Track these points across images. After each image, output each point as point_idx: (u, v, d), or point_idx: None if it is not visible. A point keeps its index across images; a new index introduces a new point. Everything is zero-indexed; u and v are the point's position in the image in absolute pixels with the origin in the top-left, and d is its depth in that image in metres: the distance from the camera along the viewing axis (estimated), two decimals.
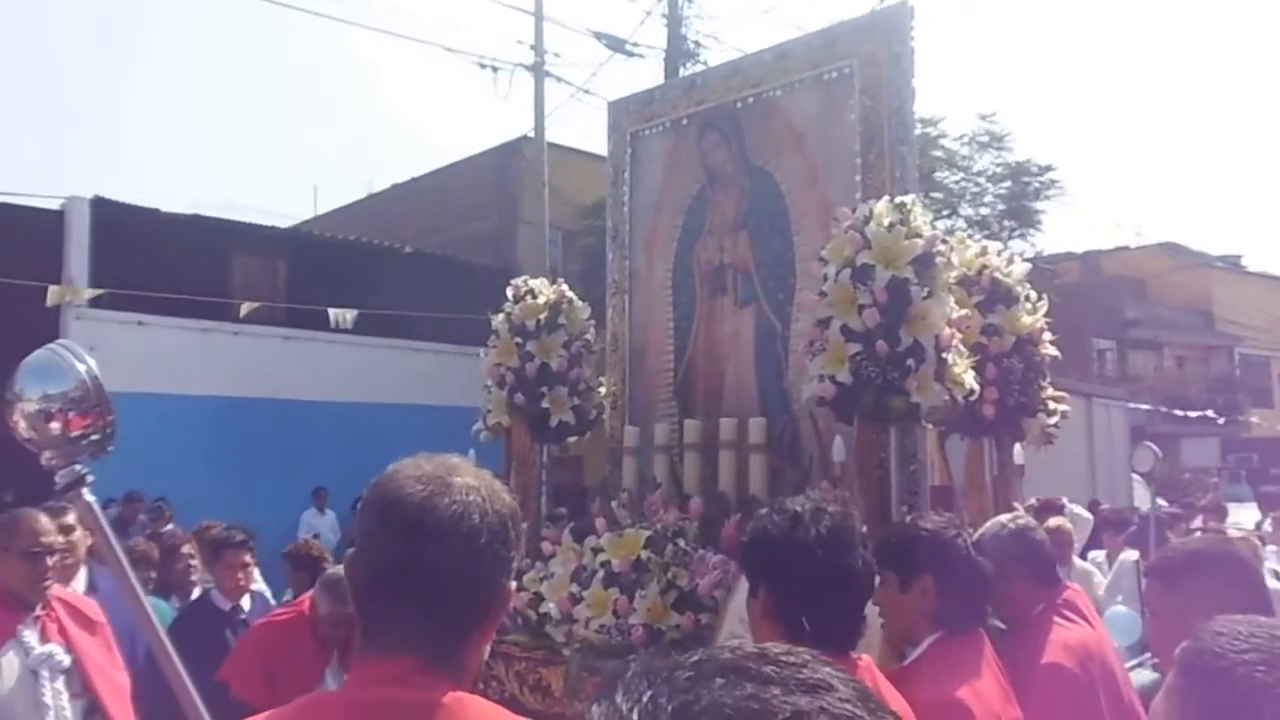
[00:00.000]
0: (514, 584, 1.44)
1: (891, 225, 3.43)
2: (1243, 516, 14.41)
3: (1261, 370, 36.51)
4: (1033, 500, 7.32)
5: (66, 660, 3.18)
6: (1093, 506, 11.11)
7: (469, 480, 1.39)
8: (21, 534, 3.23)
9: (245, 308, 12.81)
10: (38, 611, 3.23)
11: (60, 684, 3.16)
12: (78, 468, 1.95)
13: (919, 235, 3.42)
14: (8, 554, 3.23)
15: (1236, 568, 2.28)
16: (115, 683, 3.28)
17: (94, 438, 1.96)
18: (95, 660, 3.25)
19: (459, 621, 1.36)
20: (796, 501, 2.17)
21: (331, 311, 13.09)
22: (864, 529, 2.23)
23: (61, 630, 3.23)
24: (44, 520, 3.32)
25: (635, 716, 0.63)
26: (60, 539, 3.40)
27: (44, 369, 1.95)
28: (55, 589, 3.33)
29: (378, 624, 1.36)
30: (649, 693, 0.64)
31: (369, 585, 1.37)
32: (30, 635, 3.18)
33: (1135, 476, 13.30)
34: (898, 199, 3.55)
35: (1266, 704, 1.15)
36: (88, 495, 1.98)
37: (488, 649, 1.44)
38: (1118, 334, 30.25)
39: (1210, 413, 28.05)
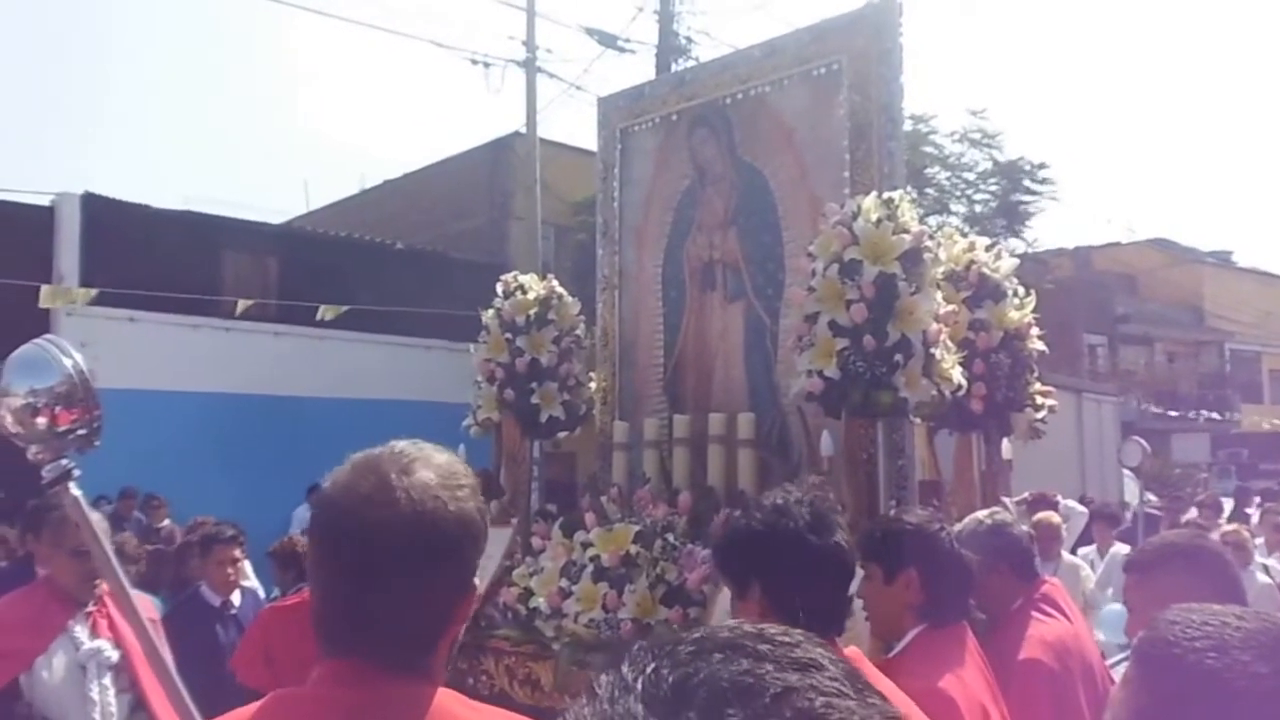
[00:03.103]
0: (478, 580, 1.39)
1: (879, 221, 3.44)
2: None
3: (1252, 365, 36.63)
4: (1025, 495, 7.35)
5: (114, 656, 3.20)
6: (1082, 502, 11.17)
7: (418, 486, 1.30)
8: (72, 532, 3.20)
9: (240, 305, 12.77)
10: (90, 608, 3.26)
11: (108, 679, 3.18)
12: (64, 462, 1.96)
13: (906, 231, 3.43)
14: (59, 551, 3.24)
15: (1209, 561, 2.31)
16: None
17: (81, 432, 1.96)
18: (143, 656, 3.26)
19: (422, 630, 1.32)
20: (773, 495, 2.19)
21: (321, 307, 13.07)
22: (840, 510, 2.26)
23: (111, 626, 3.25)
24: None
25: (639, 686, 0.66)
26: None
27: (31, 364, 1.96)
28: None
29: (341, 626, 1.30)
30: (652, 665, 0.67)
31: (331, 591, 1.31)
32: (80, 631, 3.21)
33: (1125, 471, 13.35)
34: (885, 195, 3.56)
35: (1216, 691, 1.16)
36: (74, 489, 1.98)
37: (459, 637, 1.41)
38: (1109, 329, 30.31)
39: (1191, 413, 28.20)
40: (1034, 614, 2.98)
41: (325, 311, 12.97)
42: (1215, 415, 30.44)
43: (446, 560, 1.31)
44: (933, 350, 3.40)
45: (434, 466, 1.33)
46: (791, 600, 2.05)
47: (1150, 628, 1.29)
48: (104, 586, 3.29)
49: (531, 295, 4.70)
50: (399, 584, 1.27)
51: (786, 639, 0.69)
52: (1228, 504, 14.96)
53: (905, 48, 4.04)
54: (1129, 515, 10.99)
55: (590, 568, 3.77)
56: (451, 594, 1.33)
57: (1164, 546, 2.46)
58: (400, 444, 1.36)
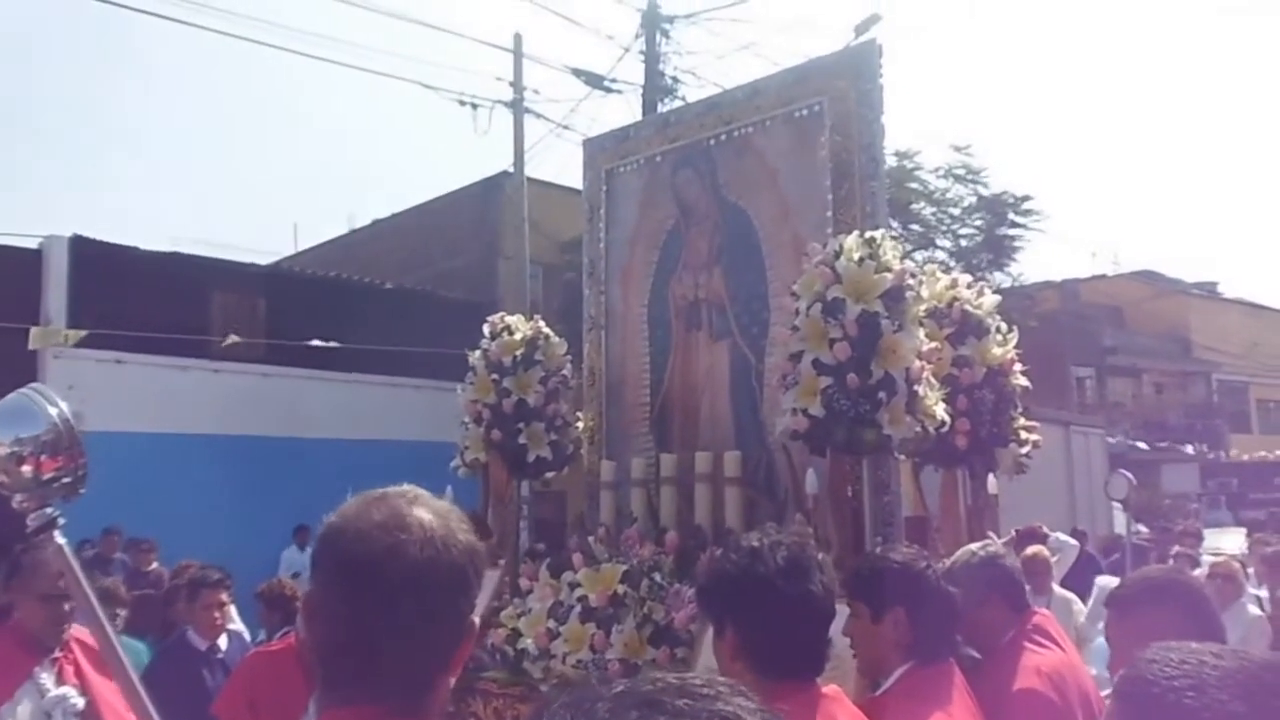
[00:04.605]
0: (476, 619, 1.42)
1: (861, 260, 3.47)
2: (1225, 541, 14.47)
3: (1239, 395, 36.79)
4: (1011, 533, 7.35)
5: (80, 703, 3.17)
6: (1074, 535, 11.18)
7: (427, 518, 1.33)
8: (41, 577, 3.18)
9: (228, 339, 12.76)
10: (56, 654, 3.22)
11: None
12: (50, 510, 1.96)
13: (888, 269, 3.47)
14: (27, 596, 3.21)
15: (1186, 597, 2.33)
16: None
17: (66, 480, 1.97)
18: (110, 703, 3.19)
19: (427, 665, 1.33)
20: (751, 537, 2.21)
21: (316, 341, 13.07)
22: (822, 556, 2.27)
23: (78, 672, 3.21)
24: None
25: None
26: None
27: (16, 413, 1.97)
28: (75, 630, 3.28)
29: (343, 674, 1.31)
30: None
31: (331, 638, 1.32)
32: (46, 678, 3.18)
33: (1114, 503, 13.37)
34: (867, 234, 3.60)
35: None
36: (59, 538, 1.98)
37: (454, 679, 1.44)
38: (1096, 362, 30.45)
39: (1180, 444, 28.31)
40: (1027, 644, 2.98)
41: (314, 341, 12.96)
42: (1204, 446, 30.53)
43: (454, 588, 1.33)
44: (916, 387, 3.42)
45: (434, 506, 1.38)
46: (762, 643, 2.06)
47: (1130, 666, 1.31)
48: (70, 632, 3.26)
49: (518, 336, 4.72)
50: (409, 611, 1.29)
51: (707, 691, 0.69)
52: (1233, 536, 14.98)
53: (885, 89, 4.10)
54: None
55: (578, 608, 3.76)
56: (455, 627, 1.35)
57: (1142, 582, 2.48)
58: (402, 486, 1.41)
